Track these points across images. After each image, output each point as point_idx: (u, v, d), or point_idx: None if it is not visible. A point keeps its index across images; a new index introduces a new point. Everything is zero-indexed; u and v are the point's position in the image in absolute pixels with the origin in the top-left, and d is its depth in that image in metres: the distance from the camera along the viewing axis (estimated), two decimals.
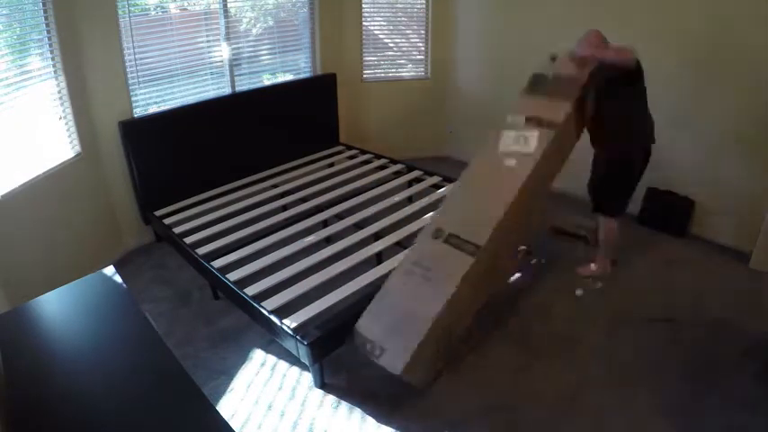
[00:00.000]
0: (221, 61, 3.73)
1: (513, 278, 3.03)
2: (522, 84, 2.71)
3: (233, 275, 2.64)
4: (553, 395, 2.25)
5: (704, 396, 2.19)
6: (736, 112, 3.13)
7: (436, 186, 3.69)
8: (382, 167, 4.08)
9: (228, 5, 3.63)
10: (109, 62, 3.09)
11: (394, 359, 2.04)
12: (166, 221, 3.24)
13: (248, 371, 2.42)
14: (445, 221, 2.37)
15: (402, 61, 4.86)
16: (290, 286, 2.53)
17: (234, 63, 3.79)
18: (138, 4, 3.27)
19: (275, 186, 3.79)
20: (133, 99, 3.28)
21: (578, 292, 2.91)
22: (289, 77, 4.32)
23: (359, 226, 3.17)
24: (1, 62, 2.51)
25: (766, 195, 3.04)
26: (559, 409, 2.17)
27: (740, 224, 3.25)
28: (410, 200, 3.56)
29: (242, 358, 2.50)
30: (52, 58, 2.78)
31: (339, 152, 4.43)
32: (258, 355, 2.53)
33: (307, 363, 2.26)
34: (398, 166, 4.05)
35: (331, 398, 2.26)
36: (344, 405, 2.23)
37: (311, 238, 3.00)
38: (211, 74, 3.73)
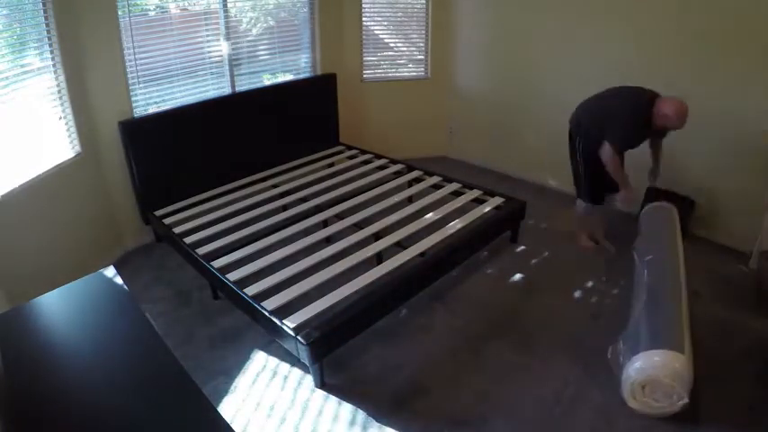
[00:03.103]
0: (221, 61, 3.73)
1: None
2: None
3: (233, 275, 2.64)
4: (553, 396, 2.25)
5: (704, 396, 2.19)
6: (737, 112, 3.13)
7: (436, 186, 3.69)
8: (382, 167, 4.08)
9: (228, 5, 3.62)
10: (109, 62, 3.09)
11: None
12: (166, 221, 3.24)
13: (249, 371, 2.42)
14: None
15: (402, 61, 4.85)
16: (290, 286, 2.53)
17: (234, 63, 3.79)
18: (138, 4, 3.26)
19: (275, 186, 3.79)
20: (133, 99, 3.28)
21: None
22: (289, 77, 4.31)
23: (359, 226, 3.17)
24: (1, 62, 2.51)
25: (766, 196, 3.04)
26: (561, 410, 2.18)
27: (740, 224, 3.25)
28: (410, 200, 3.56)
29: (242, 358, 2.50)
30: (52, 58, 2.78)
31: (339, 152, 4.42)
32: (258, 355, 2.53)
33: (307, 363, 2.26)
34: (398, 166, 4.04)
35: (332, 398, 2.26)
36: (345, 405, 2.23)
37: (311, 239, 3.00)
38: (211, 74, 3.73)
